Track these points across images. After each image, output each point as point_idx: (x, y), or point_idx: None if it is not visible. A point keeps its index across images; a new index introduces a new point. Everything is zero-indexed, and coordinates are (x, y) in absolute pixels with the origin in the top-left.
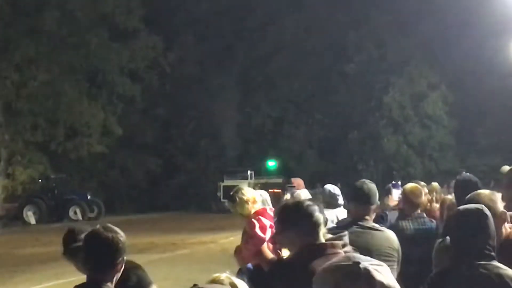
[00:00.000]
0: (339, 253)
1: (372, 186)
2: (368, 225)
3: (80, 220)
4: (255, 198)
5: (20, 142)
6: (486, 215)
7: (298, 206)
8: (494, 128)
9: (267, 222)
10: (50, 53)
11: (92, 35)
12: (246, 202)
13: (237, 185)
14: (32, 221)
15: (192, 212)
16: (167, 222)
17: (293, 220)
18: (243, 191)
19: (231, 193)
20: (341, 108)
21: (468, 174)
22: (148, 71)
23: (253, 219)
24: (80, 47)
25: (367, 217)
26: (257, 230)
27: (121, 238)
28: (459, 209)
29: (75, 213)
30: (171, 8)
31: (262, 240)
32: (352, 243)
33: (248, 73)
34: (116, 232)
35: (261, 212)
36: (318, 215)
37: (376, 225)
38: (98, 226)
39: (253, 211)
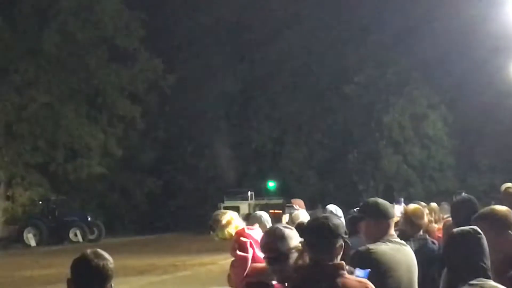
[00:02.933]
0: (343, 274)
1: (384, 202)
2: (399, 241)
3: (81, 242)
4: (230, 219)
5: (20, 164)
6: (481, 234)
7: (320, 222)
8: (494, 148)
9: (247, 240)
10: (50, 75)
11: (92, 56)
12: (223, 226)
13: (238, 206)
14: (33, 243)
15: (192, 233)
16: (167, 243)
17: (312, 235)
18: (217, 217)
19: (209, 223)
20: (341, 128)
21: (466, 194)
22: (148, 93)
23: (233, 241)
24: (80, 69)
25: (392, 233)
26: (238, 251)
27: (110, 265)
28: (453, 231)
29: (76, 235)
30: (170, 30)
31: (244, 259)
32: (392, 258)
33: (248, 93)
34: (105, 259)
35: (239, 232)
36: (337, 236)
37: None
38: (88, 251)
39: (232, 232)
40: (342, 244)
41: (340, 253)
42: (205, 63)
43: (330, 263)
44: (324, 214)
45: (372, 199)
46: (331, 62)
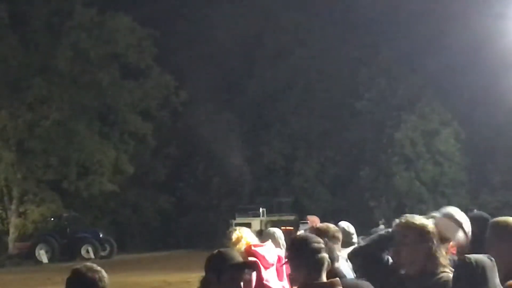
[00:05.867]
0: None
1: None
2: None
3: (92, 258)
4: (240, 236)
5: (32, 181)
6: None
7: (302, 242)
8: (507, 165)
9: (253, 259)
10: (62, 92)
11: (104, 73)
12: (233, 244)
13: (249, 222)
14: (45, 259)
15: (204, 249)
16: (179, 260)
17: (296, 255)
18: (229, 235)
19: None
20: (353, 145)
21: (478, 211)
22: (160, 109)
23: None
24: (92, 86)
25: None
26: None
27: (104, 277)
28: (469, 257)
29: (88, 251)
30: (182, 47)
31: (248, 282)
32: None
33: (259, 110)
34: (98, 271)
35: (246, 251)
36: (322, 253)
37: None
38: (80, 266)
39: (243, 249)
40: (328, 261)
41: (325, 270)
42: (217, 80)
43: (322, 281)
44: (304, 232)
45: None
46: (342, 78)
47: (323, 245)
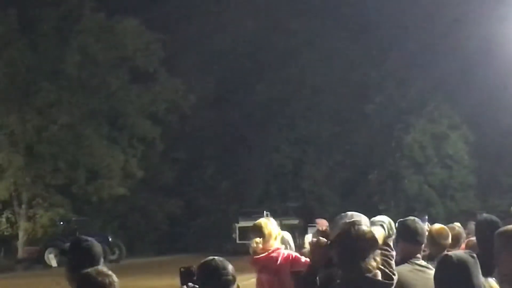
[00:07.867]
0: None
1: (423, 226)
2: (423, 264)
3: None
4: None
5: (41, 185)
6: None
7: (214, 273)
8: None
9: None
10: (71, 96)
11: (113, 78)
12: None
13: None
14: (54, 264)
15: (213, 253)
16: (188, 264)
17: (206, 285)
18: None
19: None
20: (361, 148)
21: (487, 214)
22: (168, 113)
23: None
24: (100, 90)
25: (418, 255)
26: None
27: (115, 282)
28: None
29: None
30: (190, 50)
31: None
32: (410, 281)
33: (267, 113)
34: (109, 275)
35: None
36: (227, 278)
37: (428, 264)
38: (90, 270)
39: (260, 246)
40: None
41: None
42: (225, 83)
43: None
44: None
45: (411, 221)
46: (351, 82)
47: (232, 276)
